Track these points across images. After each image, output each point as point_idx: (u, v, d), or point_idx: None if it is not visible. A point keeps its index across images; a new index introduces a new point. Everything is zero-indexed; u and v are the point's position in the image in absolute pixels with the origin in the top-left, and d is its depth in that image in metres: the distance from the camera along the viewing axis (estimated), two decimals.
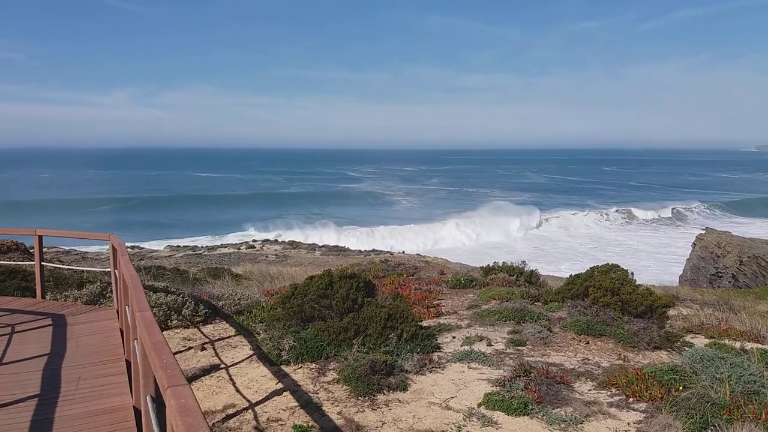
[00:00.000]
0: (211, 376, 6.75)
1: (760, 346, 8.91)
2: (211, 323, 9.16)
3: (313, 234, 57.40)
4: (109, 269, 10.14)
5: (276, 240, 44.75)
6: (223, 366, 7.08)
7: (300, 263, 29.36)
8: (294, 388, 6.27)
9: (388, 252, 38.69)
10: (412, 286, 12.95)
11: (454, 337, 8.58)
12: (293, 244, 41.26)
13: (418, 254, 37.26)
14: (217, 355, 7.55)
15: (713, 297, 15.99)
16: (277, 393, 6.15)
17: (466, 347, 7.83)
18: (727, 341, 8.98)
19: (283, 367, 6.91)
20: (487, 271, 14.79)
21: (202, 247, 42.48)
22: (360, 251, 39.59)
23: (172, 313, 8.95)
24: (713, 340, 9.16)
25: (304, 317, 7.69)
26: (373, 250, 40.02)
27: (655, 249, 55.46)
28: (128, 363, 5.98)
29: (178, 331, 8.73)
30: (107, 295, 9.96)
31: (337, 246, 42.97)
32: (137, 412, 4.83)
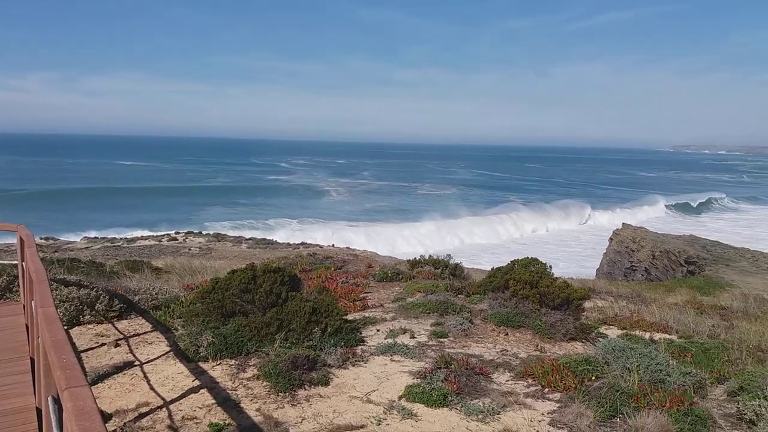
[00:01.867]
0: (125, 374, 6.49)
1: (667, 336, 9.45)
2: (126, 318, 8.81)
3: (240, 226, 56.30)
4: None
5: (200, 232, 43.55)
6: (137, 363, 6.82)
7: (225, 256, 28.73)
8: (212, 386, 6.11)
9: (317, 245, 38.46)
10: (339, 279, 12.93)
11: (378, 330, 8.62)
12: (218, 237, 40.28)
13: (348, 247, 37.23)
14: (131, 351, 7.27)
15: (627, 290, 16.81)
16: (193, 390, 5.98)
17: (390, 340, 7.88)
18: (638, 332, 9.47)
19: (201, 363, 6.73)
20: (414, 264, 14.95)
21: (121, 239, 40.77)
22: (289, 244, 39.12)
23: (85, 308, 8.54)
24: (625, 331, 9.63)
25: (225, 312, 7.52)
26: (302, 244, 39.66)
27: (565, 243, 58.28)
28: (33, 361, 5.65)
29: (91, 326, 8.35)
30: (14, 289, 9.39)
31: (264, 239, 42.30)
32: (40, 414, 4.58)
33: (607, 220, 69.68)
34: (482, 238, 59.00)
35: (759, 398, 5.65)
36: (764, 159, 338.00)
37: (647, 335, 9.20)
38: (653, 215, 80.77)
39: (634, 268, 38.02)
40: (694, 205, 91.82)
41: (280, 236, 48.27)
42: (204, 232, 43.82)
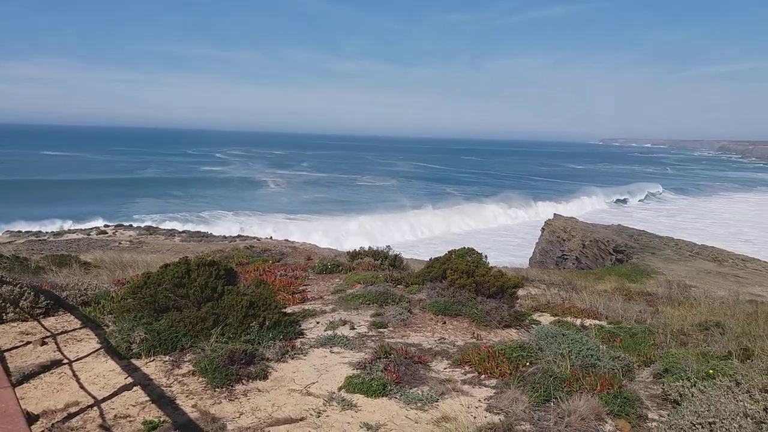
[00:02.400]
0: (52, 373, 6.20)
1: (597, 322, 9.84)
2: (53, 316, 8.41)
3: (173, 219, 54.79)
4: None
5: (131, 225, 42.11)
6: (66, 361, 6.53)
7: (157, 250, 27.89)
8: (145, 383, 5.93)
9: (254, 238, 37.92)
10: (278, 272, 12.78)
11: (318, 323, 8.58)
12: (150, 230, 39.07)
13: (286, 240, 36.89)
14: (59, 349, 6.95)
15: (559, 278, 17.38)
16: (126, 388, 5.78)
17: (330, 332, 7.86)
18: (569, 318, 9.82)
19: (133, 360, 6.51)
20: (354, 255, 14.96)
21: (47, 233, 38.92)
22: (225, 237, 38.40)
23: (8, 305, 8.10)
24: (557, 317, 9.97)
25: (158, 308, 7.29)
26: (239, 236, 39.03)
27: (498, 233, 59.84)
28: None
29: (15, 324, 7.93)
30: None
31: (198, 232, 41.37)
32: None
33: (550, 212, 71.80)
34: (423, 231, 59.64)
35: (682, 379, 5.96)
36: (686, 152, 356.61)
37: (578, 321, 9.55)
38: (599, 207, 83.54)
39: (565, 256, 39.35)
40: (640, 197, 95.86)
41: (215, 229, 47.33)
42: (135, 225, 42.42)
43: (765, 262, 36.71)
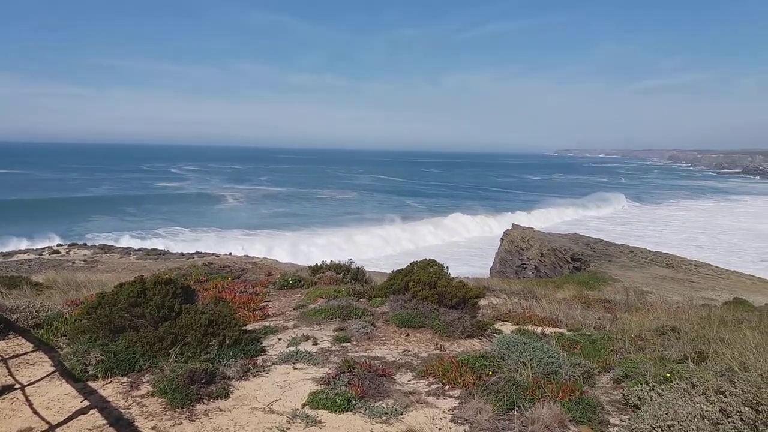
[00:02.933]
0: (3, 399, 5.95)
1: (557, 330, 9.99)
2: (3, 339, 8.07)
3: (129, 237, 53.50)
4: None
5: (85, 244, 40.93)
6: (18, 386, 6.27)
7: (112, 269, 27.18)
8: (102, 405, 5.74)
9: (213, 254, 37.30)
10: (237, 289, 12.59)
11: (280, 339, 8.47)
12: (105, 248, 38.04)
13: (246, 255, 36.41)
14: (11, 374, 6.67)
15: (519, 287, 17.60)
16: (82, 411, 5.59)
17: (292, 348, 7.77)
18: (530, 327, 9.94)
19: (89, 383, 6.30)
20: (315, 270, 14.86)
21: None
22: (182, 254, 37.66)
23: None
24: (519, 326, 10.09)
25: (114, 328, 7.09)
26: (197, 253, 38.33)
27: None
28: None
29: None
30: None
31: (155, 249, 40.48)
32: None
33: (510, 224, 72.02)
34: (388, 245, 59.62)
35: (641, 384, 6.09)
36: (638, 161, 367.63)
37: (539, 330, 9.68)
38: (569, 218, 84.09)
39: (524, 266, 39.92)
40: (615, 207, 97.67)
41: (172, 247, 46.39)
42: (89, 244, 41.27)
43: (716, 267, 38.01)
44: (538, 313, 11.37)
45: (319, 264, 15.33)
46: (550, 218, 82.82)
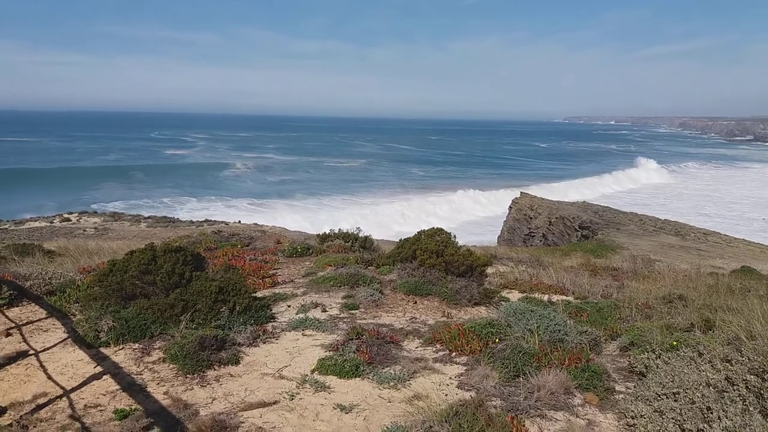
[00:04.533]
0: (18, 364, 6.06)
1: (564, 297, 10.02)
2: (17, 306, 8.19)
3: (135, 207, 53.72)
4: None
5: (95, 212, 41.18)
6: (32, 352, 6.38)
7: (123, 237, 27.38)
8: (115, 371, 5.84)
9: (222, 222, 37.45)
10: (247, 257, 12.66)
11: (289, 306, 8.55)
12: (115, 216, 38.24)
13: (255, 224, 36.55)
14: (25, 340, 6.79)
15: (526, 255, 17.61)
16: (95, 377, 5.69)
17: (301, 315, 7.85)
18: (537, 295, 9.98)
19: (102, 349, 6.41)
20: (324, 238, 14.91)
21: (7, 221, 37.80)
22: (192, 222, 37.84)
23: None
24: (526, 294, 10.12)
25: (125, 295, 7.17)
26: (207, 221, 38.48)
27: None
28: None
29: None
30: None
31: (165, 217, 40.64)
32: None
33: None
34: (395, 213, 59.42)
35: (647, 352, 6.11)
36: (649, 128, 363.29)
37: (546, 297, 9.72)
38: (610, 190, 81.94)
39: (532, 234, 39.90)
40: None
41: (180, 215, 46.62)
42: (100, 211, 41.54)
43: (724, 235, 37.83)
44: (545, 281, 11.40)
45: (327, 232, 15.38)
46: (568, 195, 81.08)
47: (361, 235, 15.10)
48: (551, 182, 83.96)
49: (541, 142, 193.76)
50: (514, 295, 10.06)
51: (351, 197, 67.02)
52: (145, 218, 38.75)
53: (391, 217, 56.52)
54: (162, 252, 7.52)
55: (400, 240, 11.58)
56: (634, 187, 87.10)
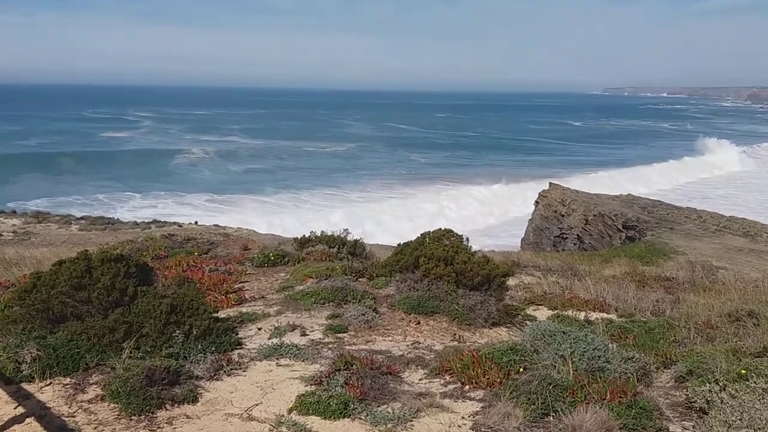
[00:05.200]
0: None
1: (605, 315, 10.07)
2: None
3: (64, 204, 53.54)
4: None
5: (14, 211, 41.10)
6: None
7: (49, 242, 27.37)
8: (41, 413, 5.83)
9: (174, 224, 37.44)
10: (206, 267, 12.71)
11: (260, 329, 8.59)
12: (39, 217, 38.13)
13: (216, 225, 36.56)
14: None
15: (557, 262, 17.68)
16: (16, 420, 5.68)
17: (275, 340, 7.87)
18: (571, 312, 10.02)
19: (24, 385, 6.40)
20: (303, 243, 14.94)
21: None
22: (136, 224, 37.81)
23: None
24: (557, 311, 10.17)
25: (53, 317, 7.17)
26: (155, 222, 38.46)
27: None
28: None
29: None
30: None
31: (102, 217, 40.58)
32: None
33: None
34: (392, 212, 59.19)
35: (709, 383, 6.11)
36: (709, 102, 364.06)
37: (582, 315, 9.76)
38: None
39: (564, 235, 40.00)
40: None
41: (120, 215, 46.52)
42: (19, 211, 41.42)
43: None
44: (581, 294, 11.45)
45: (307, 236, 15.39)
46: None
47: (349, 238, 15.12)
48: (588, 171, 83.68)
49: (575, 120, 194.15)
50: (542, 313, 10.10)
51: (337, 191, 67.12)
52: (77, 219, 38.66)
53: (387, 217, 56.44)
54: (99, 262, 7.52)
55: (399, 245, 11.60)
56: (707, 176, 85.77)
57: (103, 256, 7.77)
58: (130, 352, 6.70)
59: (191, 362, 6.70)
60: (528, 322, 8.64)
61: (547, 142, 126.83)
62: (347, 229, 15.67)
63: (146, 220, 40.07)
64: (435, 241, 10.27)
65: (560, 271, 15.14)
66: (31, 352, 6.60)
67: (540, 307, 10.59)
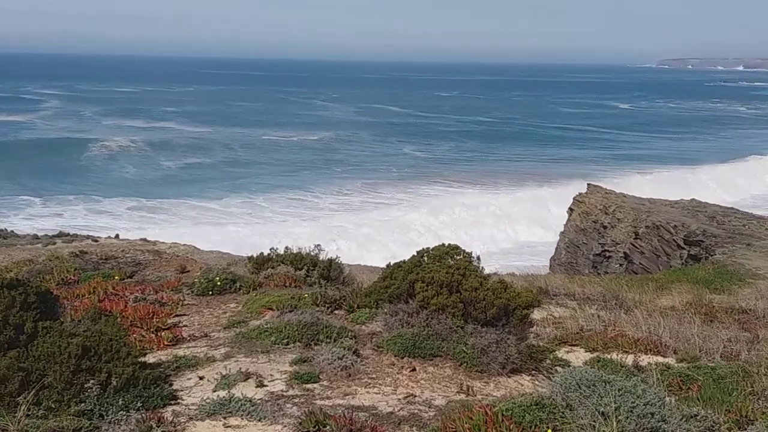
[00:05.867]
0: None
1: (661, 359, 10.07)
2: None
3: None
4: None
5: None
6: None
7: None
8: None
9: (88, 238, 37.27)
10: (131, 295, 12.65)
11: (201, 378, 8.54)
12: None
13: (144, 240, 36.40)
14: None
15: (597, 289, 17.67)
16: None
17: (222, 393, 7.85)
18: (615, 355, 10.01)
19: None
20: (260, 263, 14.93)
21: None
22: (36, 237, 37.64)
23: None
24: (596, 354, 10.16)
25: None
26: (61, 235, 38.27)
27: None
28: None
29: None
30: None
31: None
32: None
33: None
34: (373, 226, 58.74)
35: None
36: None
37: (630, 359, 9.76)
38: None
39: (606, 253, 39.97)
40: None
41: (17, 225, 46.23)
42: None
43: None
44: (629, 332, 11.45)
45: (266, 254, 15.36)
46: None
47: (322, 257, 15.10)
48: (638, 169, 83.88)
49: (622, 101, 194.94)
50: (578, 356, 10.10)
51: (305, 195, 66.89)
52: None
53: (371, 230, 56.14)
54: None
55: (388, 266, 11.57)
56: None
57: None
58: (28, 409, 6.68)
59: (109, 422, 6.68)
60: (559, 369, 8.65)
61: (585, 131, 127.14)
62: (319, 245, 15.66)
63: (50, 233, 39.83)
64: (436, 261, 10.26)
65: (601, 301, 15.13)
66: None
67: (574, 348, 10.59)
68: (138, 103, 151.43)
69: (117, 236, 38.68)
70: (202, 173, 77.70)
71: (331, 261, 15.01)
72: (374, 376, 8.67)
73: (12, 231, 41.03)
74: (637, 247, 38.64)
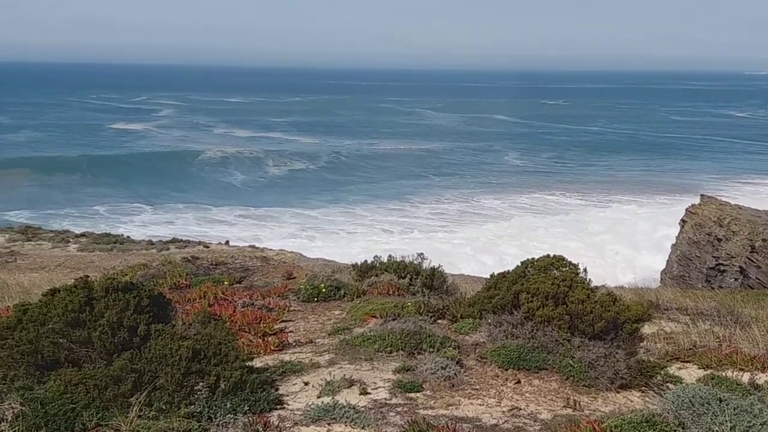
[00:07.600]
0: None
1: None
2: None
3: (54, 217, 54.74)
4: None
5: None
6: None
7: (40, 266, 28.13)
8: None
9: (199, 244, 38.11)
10: (239, 300, 12.84)
11: (306, 384, 8.59)
12: (28, 233, 39.41)
13: (253, 246, 37.06)
14: None
15: (711, 303, 17.22)
16: None
17: (327, 399, 7.88)
18: (730, 372, 9.72)
19: None
20: (364, 271, 14.98)
21: None
22: (150, 243, 38.68)
23: None
24: (710, 371, 9.88)
25: (43, 362, 7.35)
26: (174, 242, 39.26)
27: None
28: None
29: None
30: None
31: (108, 235, 41.63)
32: None
33: None
34: (480, 233, 58.43)
35: None
36: None
37: (746, 377, 9.47)
38: None
39: (721, 267, 39.03)
40: None
41: (132, 232, 47.47)
42: (4, 225, 42.86)
43: None
44: (745, 348, 11.13)
45: (369, 261, 15.42)
46: None
47: (425, 266, 15.07)
48: (755, 180, 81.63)
49: (737, 110, 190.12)
50: (690, 373, 9.85)
51: (405, 204, 66.95)
52: (76, 236, 39.69)
53: (473, 239, 55.93)
54: (103, 292, 7.68)
55: (492, 276, 11.49)
56: None
57: (107, 285, 7.93)
58: (140, 410, 6.81)
59: (217, 425, 6.77)
60: (670, 385, 8.46)
61: (696, 140, 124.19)
62: (422, 254, 15.63)
63: (164, 239, 40.88)
64: (540, 272, 10.14)
65: (715, 316, 14.75)
66: (13, 407, 6.77)
67: (687, 364, 10.34)
68: (249, 113, 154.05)
69: (227, 243, 39.57)
70: (309, 184, 78.42)
71: (434, 270, 14.97)
72: (478, 387, 8.61)
73: (128, 236, 42.29)
74: (753, 261, 37.61)
